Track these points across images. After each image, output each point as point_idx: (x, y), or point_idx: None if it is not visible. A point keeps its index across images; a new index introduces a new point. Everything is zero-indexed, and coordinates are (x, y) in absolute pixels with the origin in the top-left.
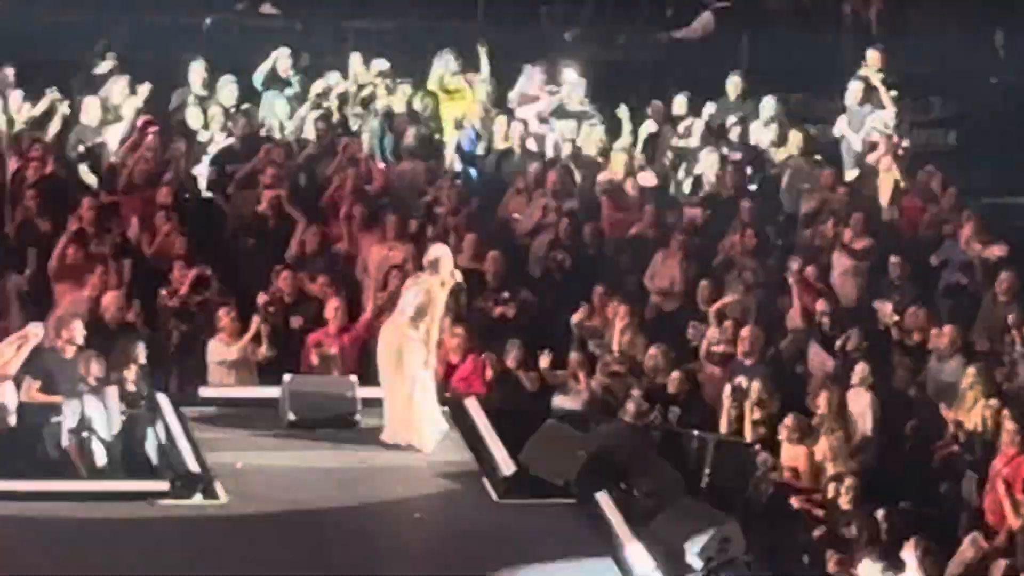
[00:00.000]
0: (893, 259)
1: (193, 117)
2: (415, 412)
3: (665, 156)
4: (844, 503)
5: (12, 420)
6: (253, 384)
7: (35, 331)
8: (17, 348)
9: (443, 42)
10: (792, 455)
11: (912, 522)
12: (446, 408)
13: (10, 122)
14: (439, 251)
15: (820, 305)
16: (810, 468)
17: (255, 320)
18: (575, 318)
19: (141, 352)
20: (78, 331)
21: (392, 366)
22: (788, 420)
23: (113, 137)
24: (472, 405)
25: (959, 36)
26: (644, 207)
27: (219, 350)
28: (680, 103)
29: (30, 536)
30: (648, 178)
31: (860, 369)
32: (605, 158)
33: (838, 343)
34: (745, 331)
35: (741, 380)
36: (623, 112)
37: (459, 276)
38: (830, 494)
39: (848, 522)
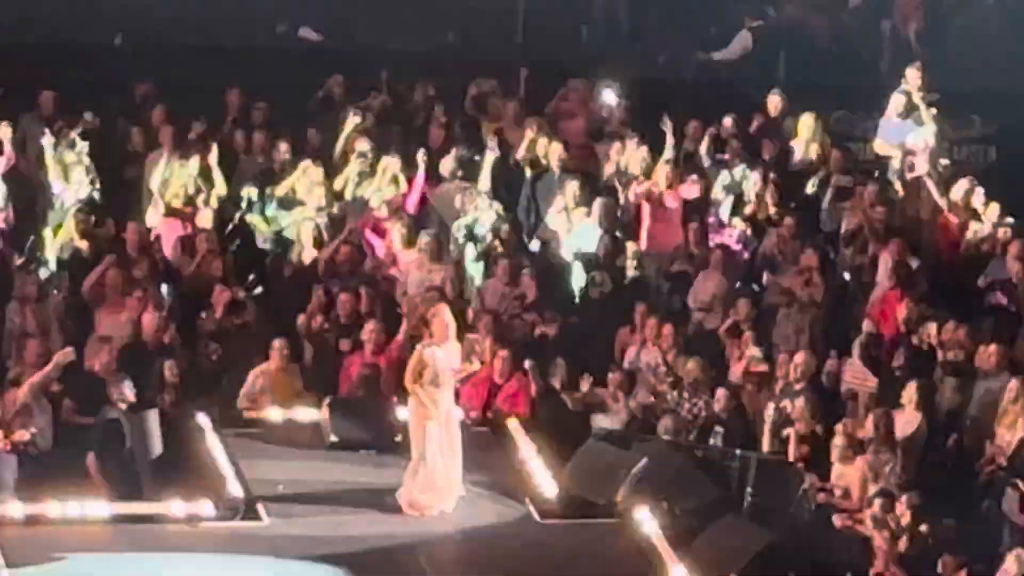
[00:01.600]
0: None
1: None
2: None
3: (704, 174)
4: (890, 521)
5: (49, 442)
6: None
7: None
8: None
9: (483, 62)
10: (842, 473)
11: (955, 539)
12: (487, 429)
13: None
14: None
15: (866, 325)
16: (861, 487)
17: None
18: (619, 340)
19: (173, 372)
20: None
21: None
22: (839, 439)
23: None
24: (514, 425)
25: (999, 53)
26: (688, 224)
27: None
28: (725, 123)
29: (72, 557)
30: (690, 190)
31: (910, 389)
32: (648, 177)
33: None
34: (799, 357)
35: (786, 402)
36: (666, 125)
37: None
38: (875, 511)
39: (896, 539)
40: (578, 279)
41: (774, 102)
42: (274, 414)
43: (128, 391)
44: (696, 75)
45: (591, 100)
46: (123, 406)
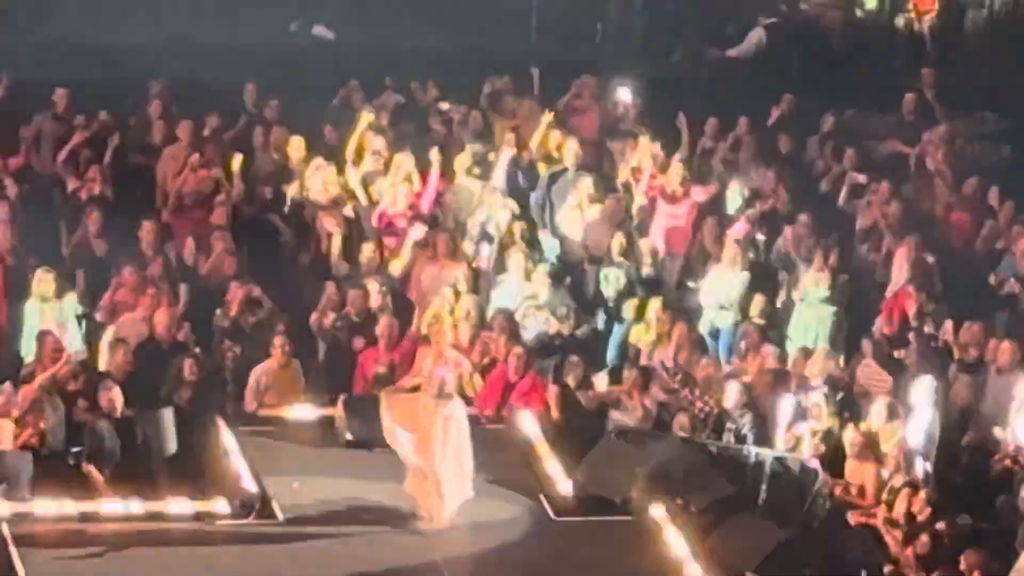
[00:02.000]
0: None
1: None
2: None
3: (717, 171)
4: (905, 517)
5: (60, 440)
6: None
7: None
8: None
9: (497, 60)
10: (856, 470)
11: (970, 535)
12: (502, 427)
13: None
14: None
15: (880, 321)
16: (876, 484)
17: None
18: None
19: (192, 372)
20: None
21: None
22: (856, 436)
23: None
24: (529, 423)
25: (1013, 49)
26: (703, 220)
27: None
28: (740, 124)
29: (87, 555)
30: (702, 192)
31: (919, 389)
32: (663, 172)
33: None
34: (816, 354)
35: (802, 397)
36: (682, 122)
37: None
38: (894, 508)
39: (911, 536)
40: (592, 276)
41: (787, 99)
42: (289, 412)
43: (115, 401)
44: (710, 72)
45: (605, 97)
46: (116, 415)
